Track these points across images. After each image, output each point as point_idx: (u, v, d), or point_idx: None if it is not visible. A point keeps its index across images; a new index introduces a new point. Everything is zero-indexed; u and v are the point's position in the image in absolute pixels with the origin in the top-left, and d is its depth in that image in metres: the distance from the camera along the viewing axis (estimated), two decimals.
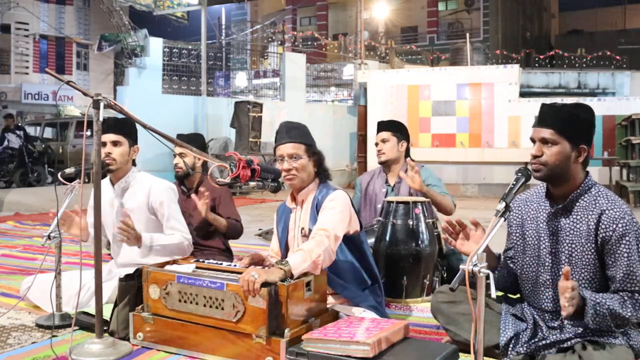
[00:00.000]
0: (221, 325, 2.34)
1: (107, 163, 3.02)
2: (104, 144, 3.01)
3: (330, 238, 2.52)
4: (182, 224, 3.17)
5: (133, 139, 3.14)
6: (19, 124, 13.21)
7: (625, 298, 2.07)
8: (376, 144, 3.92)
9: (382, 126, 3.93)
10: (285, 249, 2.85)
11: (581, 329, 2.13)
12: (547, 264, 2.23)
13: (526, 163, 2.36)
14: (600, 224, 2.11)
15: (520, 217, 2.35)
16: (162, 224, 3.15)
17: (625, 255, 2.07)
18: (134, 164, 3.19)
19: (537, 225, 2.28)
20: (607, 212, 2.11)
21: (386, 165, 3.89)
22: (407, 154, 3.88)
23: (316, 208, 2.72)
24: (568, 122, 2.15)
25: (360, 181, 4.08)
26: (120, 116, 2.90)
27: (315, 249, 2.44)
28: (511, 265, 2.42)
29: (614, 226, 2.09)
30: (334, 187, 2.78)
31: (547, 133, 2.16)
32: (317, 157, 2.78)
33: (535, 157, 2.18)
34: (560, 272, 2.18)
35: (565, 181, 2.19)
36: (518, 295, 2.48)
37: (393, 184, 3.86)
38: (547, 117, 2.18)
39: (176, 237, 3.09)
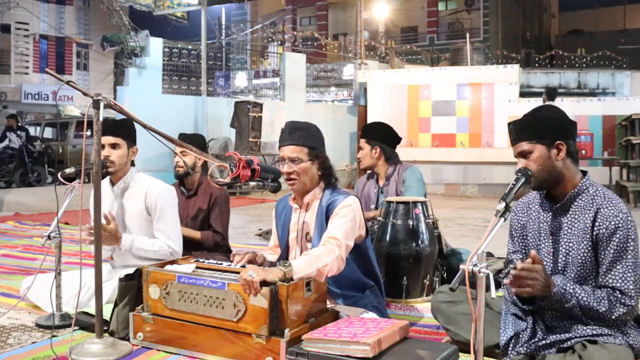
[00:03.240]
0: (222, 324, 2.34)
1: (106, 166, 3.01)
2: (102, 147, 3.00)
3: (342, 247, 2.49)
4: (171, 229, 3.12)
5: (132, 140, 3.13)
6: (20, 125, 13.24)
7: (605, 294, 2.08)
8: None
9: (361, 132, 4.04)
10: (285, 249, 2.82)
11: (581, 329, 2.13)
12: (546, 263, 2.24)
13: None
14: (596, 221, 2.12)
15: (523, 220, 2.36)
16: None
17: (612, 250, 2.09)
18: (132, 164, 3.19)
19: (538, 226, 2.28)
20: (602, 209, 2.12)
21: (366, 169, 4.03)
22: (388, 155, 3.92)
23: (325, 214, 2.65)
24: (532, 127, 2.20)
25: (358, 183, 4.22)
26: (119, 117, 2.90)
27: (324, 257, 2.40)
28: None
29: (607, 223, 2.10)
30: (345, 192, 2.70)
31: (521, 146, 2.21)
32: (321, 160, 2.67)
33: None
34: (559, 270, 2.19)
35: (559, 182, 2.20)
36: None
37: (382, 186, 3.94)
38: (514, 132, 2.25)
39: (158, 244, 3.07)
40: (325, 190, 2.72)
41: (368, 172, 4.09)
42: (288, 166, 2.63)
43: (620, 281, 2.08)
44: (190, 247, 3.54)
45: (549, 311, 2.22)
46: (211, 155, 3.16)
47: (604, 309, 2.07)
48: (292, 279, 2.31)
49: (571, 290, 2.08)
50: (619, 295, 2.07)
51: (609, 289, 2.09)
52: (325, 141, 2.78)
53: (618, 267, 2.08)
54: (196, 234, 3.64)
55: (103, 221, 2.89)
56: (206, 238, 3.66)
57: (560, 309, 2.12)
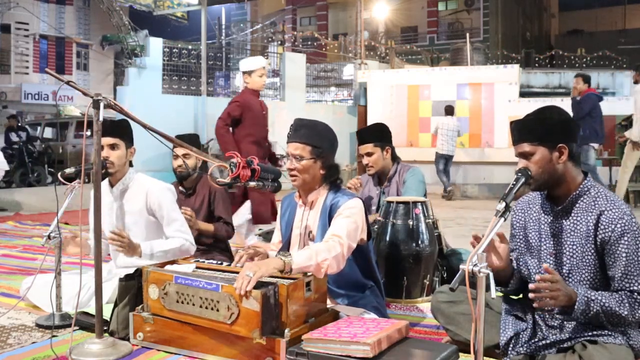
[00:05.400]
0: (216, 327, 2.32)
1: (106, 167, 3.01)
2: (101, 148, 3.00)
3: (344, 246, 2.49)
4: (183, 224, 3.16)
5: (129, 141, 3.13)
6: (20, 124, 13.27)
7: (624, 297, 2.08)
8: (360, 156, 3.91)
9: (363, 138, 3.89)
10: (287, 245, 2.83)
11: (581, 329, 2.13)
12: (549, 265, 2.23)
13: None
14: (600, 224, 2.12)
15: (523, 219, 2.36)
16: (162, 226, 3.14)
17: (624, 254, 2.08)
18: (130, 165, 3.19)
19: (539, 227, 2.28)
20: (605, 212, 2.12)
21: (375, 174, 3.93)
22: (394, 153, 3.90)
23: (328, 213, 2.66)
24: (536, 129, 2.18)
25: None
26: (118, 117, 2.89)
27: (324, 253, 2.41)
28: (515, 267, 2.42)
29: (613, 226, 2.09)
30: (349, 193, 2.72)
31: (523, 147, 2.20)
32: (324, 159, 2.68)
33: None
34: (564, 272, 2.19)
35: (559, 183, 2.20)
36: (519, 296, 2.48)
37: (383, 187, 3.91)
38: (517, 133, 2.23)
39: (177, 241, 3.08)
40: (330, 190, 2.73)
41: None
42: (290, 162, 2.67)
43: (637, 284, 2.08)
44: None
45: (549, 313, 2.22)
46: (211, 155, 3.17)
47: (626, 312, 2.06)
48: (290, 270, 2.32)
49: (594, 298, 2.07)
50: (638, 297, 2.07)
51: (626, 292, 2.09)
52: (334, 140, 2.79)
53: (634, 270, 2.08)
54: (209, 227, 3.71)
55: (108, 228, 2.89)
56: (219, 230, 3.74)
57: (582, 320, 2.11)
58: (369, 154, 3.83)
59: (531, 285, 2.04)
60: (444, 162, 10.47)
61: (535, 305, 2.08)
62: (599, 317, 2.08)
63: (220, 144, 4.92)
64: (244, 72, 5.01)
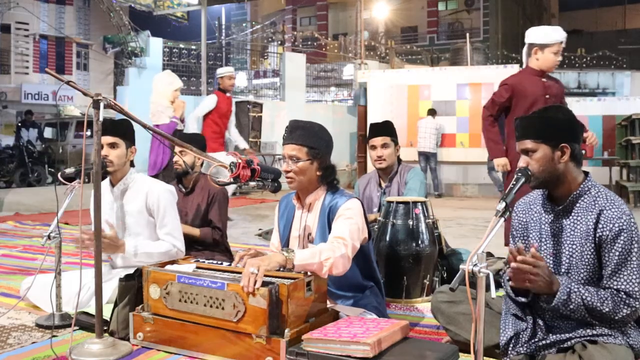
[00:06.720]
0: (222, 325, 2.34)
1: (105, 165, 3.01)
2: (101, 147, 3.00)
3: (348, 247, 2.48)
4: (175, 229, 3.13)
5: (130, 141, 3.13)
6: (35, 121, 13.44)
7: (609, 295, 2.08)
8: (373, 147, 3.86)
9: (380, 130, 3.87)
10: (285, 246, 2.84)
11: (581, 329, 2.13)
12: (548, 265, 2.23)
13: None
14: (599, 223, 2.12)
15: (524, 220, 2.36)
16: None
17: (617, 253, 2.08)
18: (132, 165, 3.19)
19: (540, 228, 2.28)
20: (605, 211, 2.12)
21: (383, 170, 3.90)
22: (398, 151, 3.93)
23: (327, 215, 2.66)
24: (540, 126, 2.19)
25: (358, 184, 4.13)
26: (118, 117, 2.89)
27: (327, 252, 2.41)
28: None
29: (611, 225, 2.09)
30: (347, 194, 2.72)
31: (525, 144, 2.21)
32: (320, 160, 2.69)
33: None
34: (563, 272, 2.19)
35: (560, 183, 2.20)
36: None
37: (384, 187, 3.90)
38: (522, 129, 2.24)
39: (164, 245, 3.07)
40: (328, 192, 2.73)
41: (369, 172, 4.04)
42: (287, 164, 2.66)
43: (625, 283, 2.08)
44: (191, 247, 3.54)
45: (549, 311, 2.22)
46: (211, 155, 3.16)
47: (607, 309, 2.07)
48: (293, 267, 2.34)
49: (576, 290, 2.08)
50: (624, 297, 2.07)
51: (613, 290, 2.09)
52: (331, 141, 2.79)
53: (623, 269, 2.08)
54: (195, 231, 3.65)
55: (104, 226, 2.88)
56: (205, 235, 3.67)
57: (563, 311, 2.11)
58: (386, 145, 3.81)
59: (512, 264, 2.04)
60: (424, 159, 11.07)
61: (510, 284, 2.10)
62: (580, 310, 2.08)
63: (485, 139, 3.98)
64: (532, 45, 3.79)
